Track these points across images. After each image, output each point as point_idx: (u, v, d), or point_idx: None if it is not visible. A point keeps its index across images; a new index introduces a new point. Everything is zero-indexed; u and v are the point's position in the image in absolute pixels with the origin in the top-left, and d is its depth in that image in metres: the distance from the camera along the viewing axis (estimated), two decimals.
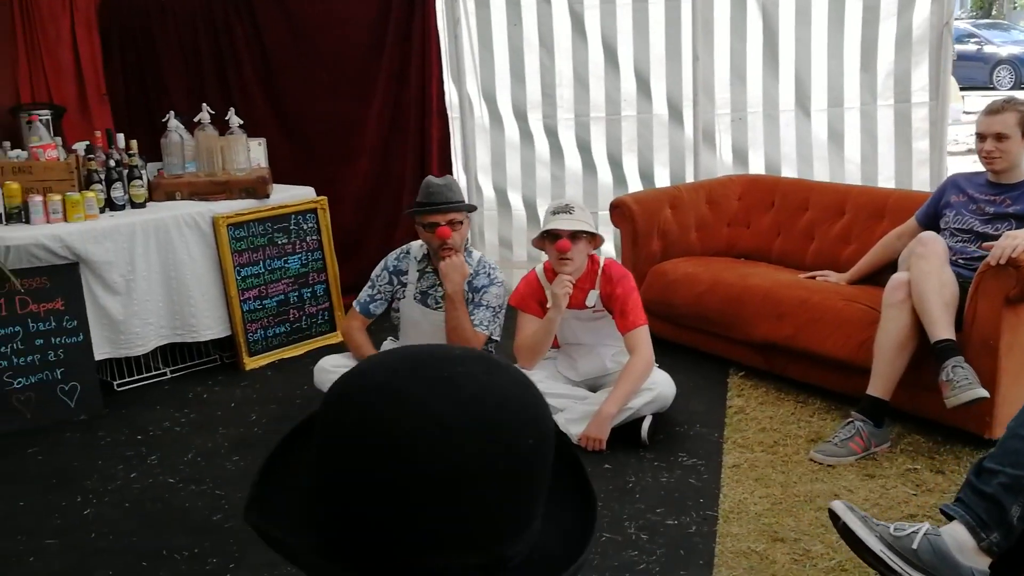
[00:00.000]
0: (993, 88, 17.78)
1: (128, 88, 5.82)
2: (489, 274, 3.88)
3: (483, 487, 0.80)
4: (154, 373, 4.61)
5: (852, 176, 5.29)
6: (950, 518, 2.06)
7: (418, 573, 0.81)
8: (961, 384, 3.14)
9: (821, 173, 5.35)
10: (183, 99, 5.62)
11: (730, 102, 5.44)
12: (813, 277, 4.36)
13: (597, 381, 3.89)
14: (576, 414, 3.70)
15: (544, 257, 3.98)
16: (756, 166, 5.47)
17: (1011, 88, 17.89)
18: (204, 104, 4.82)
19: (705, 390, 4.18)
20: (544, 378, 3.82)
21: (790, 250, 4.76)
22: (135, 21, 5.73)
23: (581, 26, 5.44)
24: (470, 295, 3.82)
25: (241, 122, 4.83)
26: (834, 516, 2.15)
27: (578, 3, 5.40)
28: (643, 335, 3.70)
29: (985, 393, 3.12)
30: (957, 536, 2.00)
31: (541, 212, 5.79)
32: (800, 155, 5.42)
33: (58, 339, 4.13)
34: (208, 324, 4.62)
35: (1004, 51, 18.81)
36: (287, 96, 5.75)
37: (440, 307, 3.86)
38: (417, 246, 4.01)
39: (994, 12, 27.89)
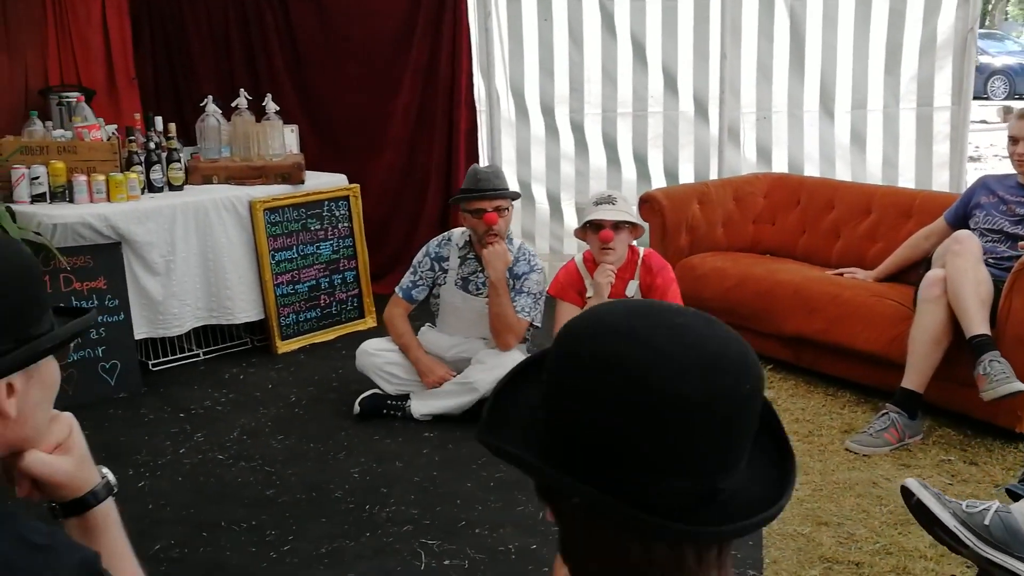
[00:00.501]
0: (987, 98, 18.00)
1: (157, 73, 5.87)
2: (529, 261, 3.96)
3: (707, 420, 0.87)
4: (188, 354, 4.66)
5: (873, 177, 5.40)
6: (1016, 498, 2.16)
7: (642, 491, 0.88)
8: (998, 378, 3.24)
9: (843, 173, 5.45)
10: (212, 85, 5.68)
11: (755, 101, 5.54)
12: (841, 274, 4.45)
13: None
14: None
15: (569, 248, 4.06)
16: (779, 165, 5.57)
17: (1005, 98, 18.11)
18: (241, 89, 4.87)
19: None
20: None
21: (815, 248, 4.85)
22: (166, 7, 5.78)
23: (611, 22, 5.52)
24: (511, 282, 3.89)
25: (277, 108, 4.89)
26: (908, 493, 2.24)
27: (608, 0, 5.49)
28: None
29: (1022, 386, 3.22)
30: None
31: (564, 206, 5.90)
32: (823, 155, 5.53)
33: (100, 317, 4.18)
34: (243, 307, 4.68)
35: (998, 61, 19.03)
36: (315, 86, 5.81)
37: (481, 293, 3.93)
38: (459, 233, 4.08)
39: (987, 23, 28.18)
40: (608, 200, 3.79)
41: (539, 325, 3.94)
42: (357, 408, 3.91)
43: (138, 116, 4.74)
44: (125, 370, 4.23)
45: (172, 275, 4.40)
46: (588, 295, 3.84)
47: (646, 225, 5.00)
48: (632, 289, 3.87)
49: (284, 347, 4.79)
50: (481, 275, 3.93)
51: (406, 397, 3.92)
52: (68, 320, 1.13)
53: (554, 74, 5.68)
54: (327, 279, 5.02)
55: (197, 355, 4.68)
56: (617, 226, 3.73)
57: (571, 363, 0.91)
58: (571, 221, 5.90)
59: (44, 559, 0.95)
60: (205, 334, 4.73)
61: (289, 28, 5.75)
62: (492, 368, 3.81)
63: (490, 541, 2.95)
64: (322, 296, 5.00)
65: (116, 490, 1.25)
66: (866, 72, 5.35)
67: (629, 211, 3.82)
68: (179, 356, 4.64)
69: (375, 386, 3.98)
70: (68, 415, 1.19)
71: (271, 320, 4.76)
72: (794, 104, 5.51)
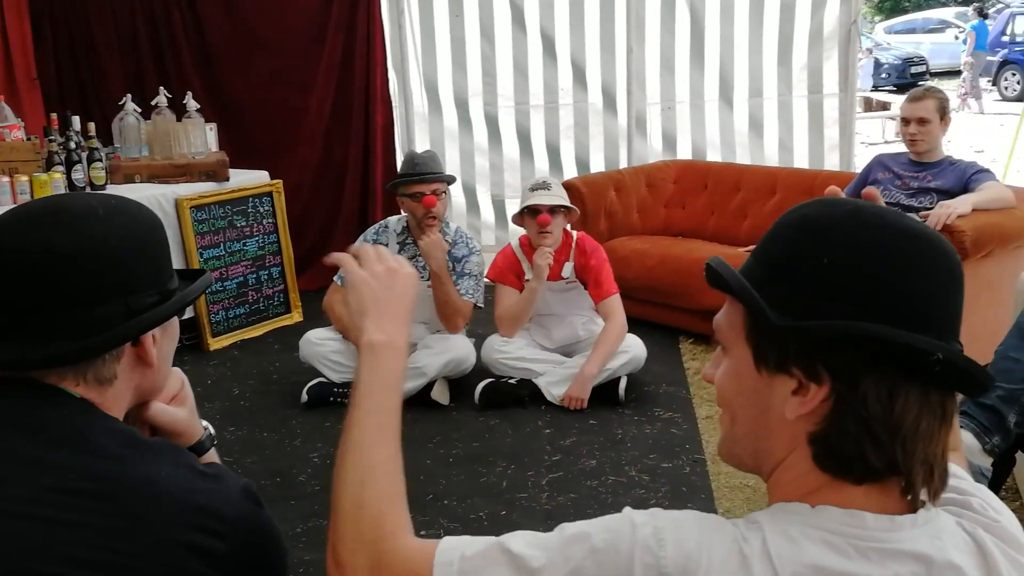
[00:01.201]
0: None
1: (61, 72, 5.73)
2: (468, 244, 4.10)
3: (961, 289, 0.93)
4: None
5: (771, 160, 5.77)
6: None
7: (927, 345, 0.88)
8: None
9: (743, 158, 5.81)
10: (119, 84, 5.60)
11: (660, 92, 5.83)
12: (750, 251, 4.74)
13: (570, 348, 4.16)
14: (556, 377, 3.96)
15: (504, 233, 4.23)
16: (684, 152, 5.88)
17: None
18: (161, 88, 4.83)
19: (662, 355, 4.51)
20: (523, 346, 4.08)
21: (724, 227, 5.16)
22: (69, 6, 5.64)
23: (520, 17, 5.71)
24: (452, 265, 4.02)
25: (198, 106, 4.87)
26: None
27: None
28: (617, 302, 4.00)
29: None
30: (966, 441, 2.37)
31: (480, 198, 6.05)
32: (724, 141, 5.86)
33: None
34: None
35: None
36: (226, 83, 5.77)
37: (423, 276, 4.04)
38: (395, 220, 4.18)
39: None
40: (543, 186, 3.97)
41: (482, 305, 4.08)
42: (305, 397, 3.97)
43: (54, 116, 4.64)
44: None
45: None
46: (527, 278, 4.02)
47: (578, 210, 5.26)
48: (568, 270, 4.06)
49: (216, 344, 4.78)
50: (422, 259, 4.04)
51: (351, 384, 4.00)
52: (187, 281, 1.23)
53: (467, 68, 5.83)
54: (254, 275, 5.03)
55: None
56: (553, 210, 3.92)
57: (880, 233, 0.91)
58: (487, 213, 6.08)
59: (216, 485, 1.05)
60: None
61: (198, 24, 5.70)
62: (439, 352, 3.94)
63: (460, 511, 3.09)
64: (250, 292, 5.01)
65: (216, 441, 1.35)
66: (761, 63, 5.70)
67: (564, 196, 4.01)
68: None
69: (319, 376, 4.04)
70: (177, 370, 1.29)
71: (202, 317, 4.74)
72: (696, 94, 5.82)
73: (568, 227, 4.11)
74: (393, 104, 5.84)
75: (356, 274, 1.15)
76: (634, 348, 4.00)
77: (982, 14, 16.42)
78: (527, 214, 3.97)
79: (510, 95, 5.85)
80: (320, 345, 4.05)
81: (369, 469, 1.02)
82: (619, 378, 3.97)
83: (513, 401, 3.94)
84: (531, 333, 4.19)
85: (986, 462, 2.35)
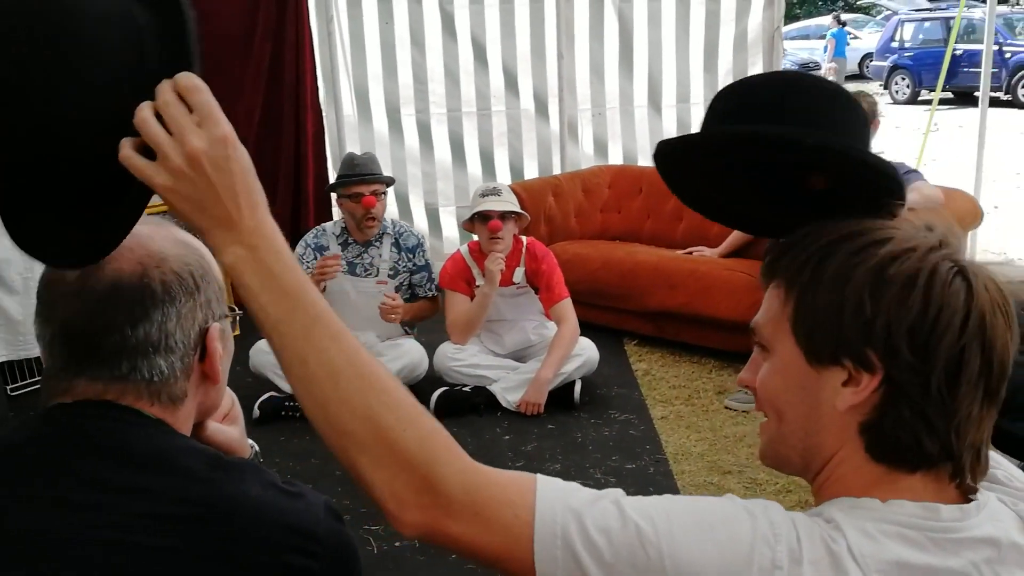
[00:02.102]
0: None
1: None
2: (412, 233, 4.21)
3: None
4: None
5: None
6: None
7: None
8: None
9: None
10: None
11: (591, 98, 5.90)
12: (690, 252, 4.85)
13: (521, 353, 4.18)
14: (511, 383, 3.97)
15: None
16: (615, 157, 5.97)
17: None
18: None
19: (609, 358, 4.55)
20: (476, 352, 4.08)
21: (660, 231, 5.25)
22: None
23: (451, 25, 5.70)
24: (407, 256, 4.07)
25: None
26: None
27: (448, 3, 5.66)
28: (569, 306, 4.04)
29: None
30: None
31: (413, 204, 6.02)
32: (653, 146, 5.94)
33: None
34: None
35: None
36: None
37: (369, 275, 4.07)
38: (331, 224, 4.18)
39: None
40: (494, 192, 3.98)
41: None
42: (257, 412, 3.87)
43: None
44: None
45: (31, 293, 4.14)
46: (478, 284, 4.02)
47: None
48: (519, 275, 4.08)
49: None
50: (367, 257, 4.03)
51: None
52: None
53: (398, 75, 5.79)
54: None
55: None
56: (504, 216, 3.93)
57: None
58: (420, 221, 6.04)
59: (303, 503, 1.02)
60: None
61: None
62: (392, 360, 3.92)
63: None
64: None
65: (262, 459, 1.31)
66: (688, 69, 5.83)
67: (514, 201, 4.03)
68: (37, 380, 4.38)
69: (270, 388, 3.95)
70: (227, 388, 1.24)
71: None
72: (626, 100, 5.92)
73: (517, 232, 4.12)
74: (323, 112, 5.76)
75: (158, 179, 0.85)
76: (587, 351, 4.04)
77: (840, 22, 17.31)
78: (478, 220, 3.97)
79: (442, 102, 5.83)
80: (271, 354, 3.95)
81: (363, 385, 0.90)
82: (574, 382, 4.00)
83: (469, 409, 3.93)
84: (482, 340, 4.19)
85: None
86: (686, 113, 5.90)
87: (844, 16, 25.14)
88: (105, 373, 1.01)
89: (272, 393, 3.93)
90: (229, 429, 1.22)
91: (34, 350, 4.20)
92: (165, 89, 0.87)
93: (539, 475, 0.92)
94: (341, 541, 1.05)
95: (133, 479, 0.95)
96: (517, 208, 4.01)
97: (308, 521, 1.01)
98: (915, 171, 4.29)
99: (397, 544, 2.90)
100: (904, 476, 0.94)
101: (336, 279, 4.02)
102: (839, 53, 16.72)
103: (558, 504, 0.89)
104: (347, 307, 4.04)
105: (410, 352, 3.99)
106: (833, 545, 0.90)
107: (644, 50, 5.82)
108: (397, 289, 4.08)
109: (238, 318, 1.18)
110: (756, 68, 5.77)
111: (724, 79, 5.82)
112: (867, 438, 0.94)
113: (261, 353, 3.96)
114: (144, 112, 0.86)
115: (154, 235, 1.07)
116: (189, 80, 0.88)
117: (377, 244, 4.11)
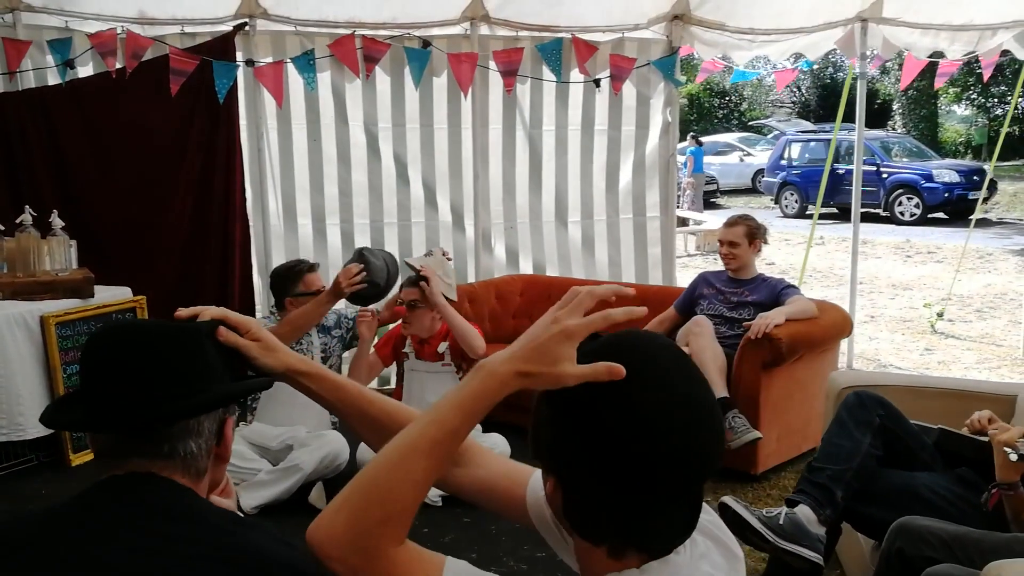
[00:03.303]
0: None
1: None
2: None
3: None
4: None
5: (602, 275, 6.41)
6: (793, 504, 2.93)
7: None
8: (741, 430, 4.14)
9: (577, 272, 6.42)
10: None
11: (503, 213, 6.38)
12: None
13: None
14: None
15: None
16: (526, 267, 6.43)
17: None
18: (27, 207, 4.89)
19: (522, 457, 4.88)
20: None
21: None
22: None
23: (376, 144, 6.15)
24: (329, 333, 4.59)
25: (63, 224, 4.95)
26: (725, 508, 2.93)
27: (373, 124, 6.12)
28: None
29: (759, 434, 4.14)
30: (806, 514, 2.87)
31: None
32: (560, 257, 6.46)
33: None
34: (35, 422, 4.61)
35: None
36: (83, 199, 5.80)
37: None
38: (266, 320, 4.52)
39: None
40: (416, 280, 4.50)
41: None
42: None
43: None
44: None
45: None
46: (404, 351, 4.55)
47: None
48: (443, 347, 4.53)
49: (78, 459, 4.77)
50: (299, 345, 4.37)
51: None
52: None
53: (323, 188, 6.16)
54: None
55: None
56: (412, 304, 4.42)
57: None
58: None
59: (297, 552, 1.34)
60: None
61: (54, 141, 5.74)
62: (315, 450, 4.18)
63: None
64: None
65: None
66: (591, 188, 6.38)
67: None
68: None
69: None
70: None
71: (63, 434, 4.73)
72: (534, 215, 6.42)
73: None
74: (250, 221, 6.07)
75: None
76: (499, 445, 4.38)
77: (698, 142, 18.73)
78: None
79: (365, 213, 6.22)
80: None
81: (403, 472, 1.11)
82: None
83: None
84: None
85: (821, 531, 2.87)
86: (590, 228, 6.43)
87: (738, 134, 26.85)
88: (151, 451, 1.33)
89: None
90: (227, 501, 1.54)
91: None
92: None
93: (448, 557, 1.14)
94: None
95: (178, 530, 1.27)
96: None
97: (303, 564, 1.33)
98: (792, 286, 4.82)
99: None
100: None
101: None
102: (697, 169, 18.18)
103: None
104: (280, 401, 4.32)
105: (332, 442, 4.26)
106: None
107: (552, 171, 6.36)
108: (330, 350, 4.54)
109: None
110: (654, 188, 6.36)
111: (624, 199, 6.40)
112: None
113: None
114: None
115: None
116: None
117: (307, 334, 4.43)
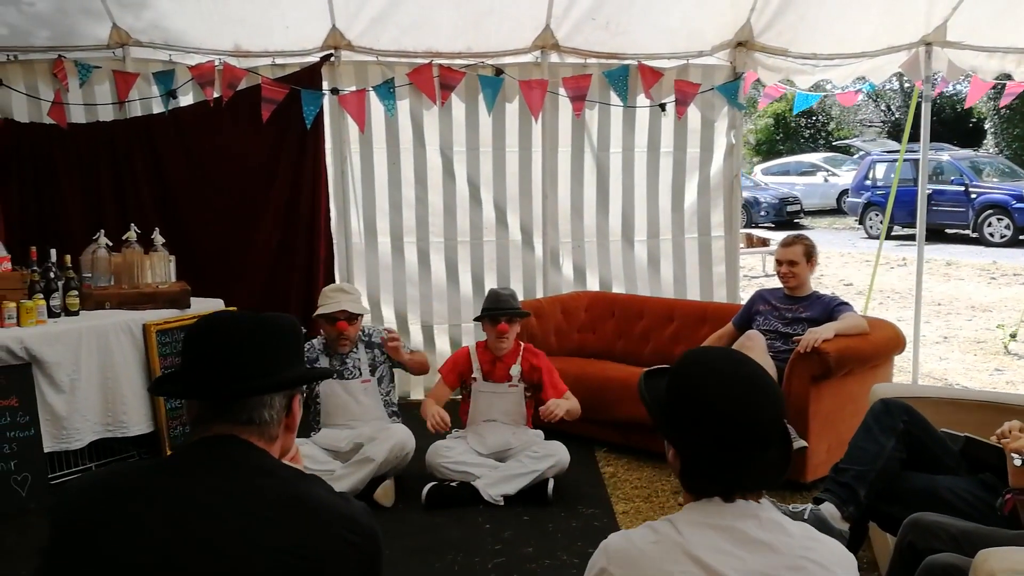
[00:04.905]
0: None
1: (24, 205, 6.18)
2: (375, 330, 4.97)
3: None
4: (82, 467, 4.97)
5: (667, 292, 6.61)
6: (819, 502, 3.12)
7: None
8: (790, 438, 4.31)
9: (643, 290, 6.63)
10: (78, 220, 6.07)
11: (571, 232, 6.65)
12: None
13: (502, 454, 4.77)
14: (492, 480, 4.56)
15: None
16: (592, 284, 6.68)
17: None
18: (132, 224, 5.38)
19: (581, 462, 5.14)
20: (463, 451, 4.68)
21: (630, 350, 5.91)
22: (37, 142, 6.14)
23: (451, 167, 6.50)
24: (377, 350, 4.86)
25: (164, 240, 5.42)
26: None
27: (448, 149, 6.48)
28: (570, 395, 4.77)
29: (805, 443, 4.31)
30: (830, 511, 3.06)
31: (410, 323, 6.68)
32: (626, 275, 6.70)
33: (12, 433, 4.49)
34: (136, 420, 5.07)
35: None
36: (182, 218, 6.31)
37: (353, 376, 4.78)
38: (316, 341, 4.88)
39: None
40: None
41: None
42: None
43: (34, 248, 5.10)
44: (35, 482, 4.53)
45: (76, 392, 4.77)
46: (474, 376, 4.73)
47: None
48: (515, 371, 4.79)
49: None
50: (349, 362, 4.75)
51: None
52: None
53: (402, 209, 6.54)
54: None
55: (91, 468, 5.00)
56: (510, 319, 4.68)
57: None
58: (416, 337, 6.69)
59: (350, 503, 1.64)
60: (96, 448, 5.05)
61: (157, 165, 6.26)
62: (384, 440, 4.55)
63: None
64: None
65: None
66: (657, 209, 6.61)
67: (517, 305, 4.84)
68: (74, 469, 4.94)
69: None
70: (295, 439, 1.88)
71: (162, 432, 5.17)
72: (601, 234, 6.68)
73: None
74: (334, 240, 6.48)
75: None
76: (559, 453, 4.64)
77: None
78: (487, 321, 4.69)
79: (440, 232, 6.57)
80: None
81: None
82: (547, 480, 4.58)
83: (456, 502, 4.49)
84: (468, 440, 4.79)
85: (844, 527, 3.05)
86: (656, 247, 6.66)
87: (823, 154, 26.50)
88: (233, 418, 1.65)
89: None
90: (296, 467, 1.85)
91: (75, 443, 4.80)
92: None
93: None
94: (372, 526, 1.67)
95: (256, 482, 1.58)
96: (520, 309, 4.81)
97: (355, 514, 1.63)
98: (846, 303, 4.97)
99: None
100: None
101: (328, 385, 4.70)
102: None
103: None
104: (339, 405, 4.69)
105: (398, 433, 4.59)
106: None
107: (619, 192, 6.61)
108: (378, 374, 4.83)
109: None
110: (718, 208, 6.55)
111: (690, 219, 6.60)
112: None
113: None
114: None
115: None
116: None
117: (355, 350, 4.78)
